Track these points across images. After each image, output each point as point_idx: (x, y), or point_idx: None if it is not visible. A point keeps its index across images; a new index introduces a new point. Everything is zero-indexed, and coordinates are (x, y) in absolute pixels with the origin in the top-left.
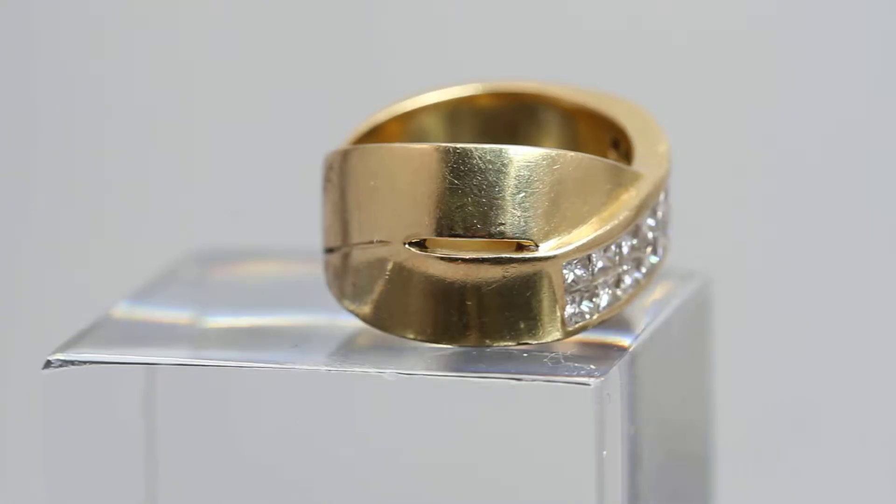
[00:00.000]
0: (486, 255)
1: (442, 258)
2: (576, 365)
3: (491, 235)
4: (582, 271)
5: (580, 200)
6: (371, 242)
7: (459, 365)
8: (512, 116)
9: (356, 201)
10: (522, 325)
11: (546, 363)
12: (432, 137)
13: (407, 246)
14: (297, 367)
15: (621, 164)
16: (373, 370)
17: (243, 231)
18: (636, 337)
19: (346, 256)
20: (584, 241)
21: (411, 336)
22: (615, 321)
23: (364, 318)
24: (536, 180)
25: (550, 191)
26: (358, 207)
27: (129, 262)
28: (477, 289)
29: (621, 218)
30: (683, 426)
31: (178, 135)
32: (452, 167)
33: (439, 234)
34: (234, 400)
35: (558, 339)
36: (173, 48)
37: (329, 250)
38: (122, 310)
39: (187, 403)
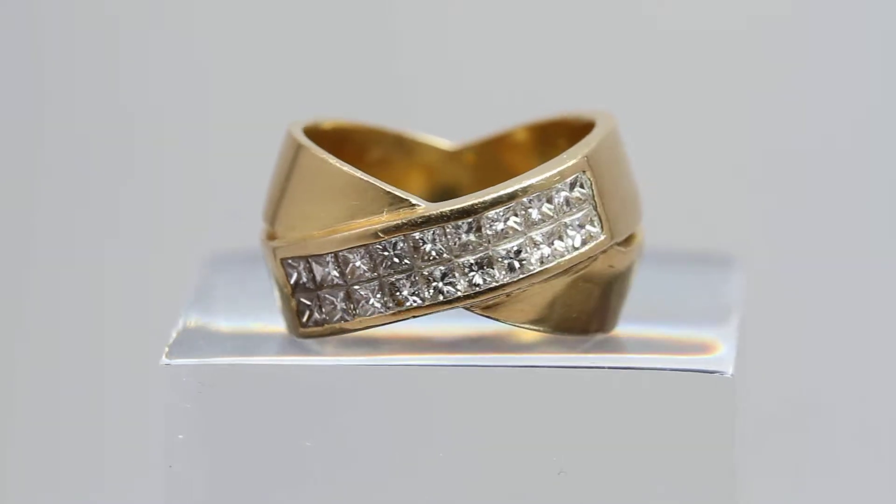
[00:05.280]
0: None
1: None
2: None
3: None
4: (304, 276)
5: (322, 209)
6: None
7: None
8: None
9: None
10: (286, 314)
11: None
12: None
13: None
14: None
15: (391, 188)
16: None
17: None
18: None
19: None
20: (300, 244)
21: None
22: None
23: None
24: (288, 175)
25: (296, 189)
26: None
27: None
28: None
29: (354, 233)
30: None
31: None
32: (292, 159)
33: None
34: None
35: (299, 338)
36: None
37: None
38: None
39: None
